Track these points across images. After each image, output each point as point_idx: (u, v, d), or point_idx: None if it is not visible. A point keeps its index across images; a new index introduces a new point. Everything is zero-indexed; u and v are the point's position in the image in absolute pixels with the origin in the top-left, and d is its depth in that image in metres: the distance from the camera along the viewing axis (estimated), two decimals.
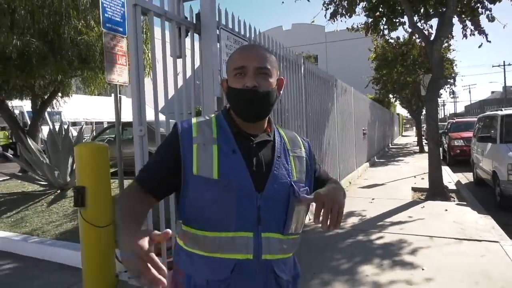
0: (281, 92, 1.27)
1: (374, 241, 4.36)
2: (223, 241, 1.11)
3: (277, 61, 1.26)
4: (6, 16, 5.73)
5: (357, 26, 8.46)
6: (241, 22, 3.61)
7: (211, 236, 1.11)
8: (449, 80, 16.86)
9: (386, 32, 7.99)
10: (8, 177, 8.27)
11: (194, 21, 3.01)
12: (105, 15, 3.92)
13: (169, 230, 0.89)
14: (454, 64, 16.55)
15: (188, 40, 3.00)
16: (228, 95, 1.20)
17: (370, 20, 7.74)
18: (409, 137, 32.54)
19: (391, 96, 19.66)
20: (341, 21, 8.28)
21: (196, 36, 3.09)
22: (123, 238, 0.92)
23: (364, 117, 11.37)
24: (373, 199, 6.62)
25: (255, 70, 1.15)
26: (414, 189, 7.58)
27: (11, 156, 8.02)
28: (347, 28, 8.75)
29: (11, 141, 15.73)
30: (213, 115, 1.27)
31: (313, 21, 8.54)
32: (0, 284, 3.64)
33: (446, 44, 13.48)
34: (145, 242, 0.85)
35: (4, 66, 6.54)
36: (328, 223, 1.08)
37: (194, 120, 1.22)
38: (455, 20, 7.07)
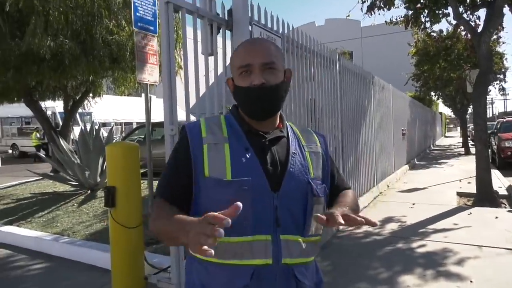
0: (290, 83, 1.26)
1: (415, 249, 4.23)
2: (240, 247, 1.08)
3: (281, 51, 1.25)
4: (41, 18, 6.02)
5: (396, 19, 8.26)
6: (273, 18, 3.60)
7: (227, 242, 1.07)
8: (498, 76, 16.13)
9: (428, 24, 7.74)
10: (40, 177, 8.67)
11: (226, 18, 3.04)
12: (137, 14, 4.04)
13: (238, 203, 0.87)
14: (504, 58, 15.82)
15: (219, 38, 3.03)
16: (235, 94, 1.19)
17: (411, 12, 7.52)
18: (453, 138, 31.40)
19: (432, 93, 19.05)
20: (379, 14, 8.12)
21: (227, 33, 3.11)
22: (181, 227, 0.94)
23: (403, 116, 11.11)
24: (413, 204, 6.43)
25: (261, 67, 1.13)
26: (460, 194, 7.29)
27: (43, 156, 8.41)
28: (385, 21, 8.57)
29: (42, 141, 16.50)
30: (221, 115, 1.26)
31: (348, 16, 8.42)
32: (31, 284, 3.82)
33: (495, 37, 12.89)
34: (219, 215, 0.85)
35: (38, 67, 6.88)
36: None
37: (202, 120, 1.21)
38: (506, 10, 6.74)
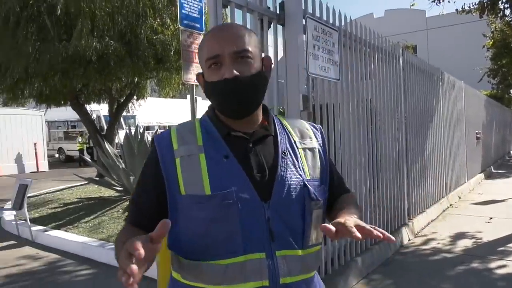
0: (270, 73, 1.15)
1: (493, 270, 3.99)
2: (231, 270, 1.00)
3: (257, 37, 1.15)
4: (87, 20, 6.43)
5: (469, 6, 7.88)
6: (329, 10, 3.57)
7: (215, 265, 1.01)
8: None
9: (507, 12, 7.31)
10: (86, 182, 9.19)
11: (278, 11, 3.06)
12: (182, 11, 4.17)
13: (167, 220, 0.82)
14: None
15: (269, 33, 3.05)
16: (206, 91, 1.10)
17: None
18: None
19: None
20: (448, 1, 7.77)
21: (279, 28, 3.13)
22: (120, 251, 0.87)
23: (477, 117, 10.60)
24: (490, 218, 6.07)
25: (232, 56, 1.03)
26: None
27: (89, 160, 8.93)
28: (455, 10, 8.21)
29: (87, 146, 17.50)
30: (196, 119, 1.17)
31: (412, 5, 8.17)
32: None
33: None
34: (137, 244, 0.79)
35: (84, 70, 7.34)
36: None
37: (173, 130, 1.12)
38: None
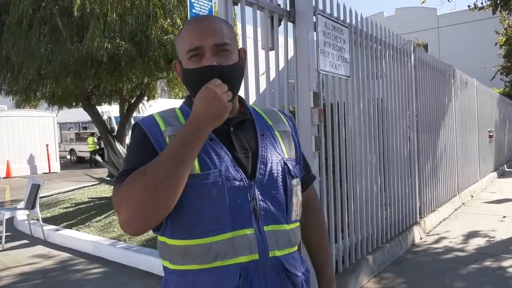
0: (245, 65, 1.20)
1: (507, 269, 3.94)
2: (221, 246, 1.04)
3: (233, 29, 1.19)
4: (99, 21, 6.50)
5: (482, 3, 7.79)
6: (340, 6, 3.56)
7: (205, 243, 1.04)
8: None
9: None
10: (97, 182, 9.29)
11: (288, 8, 3.06)
12: (192, 10, 4.19)
13: None
14: None
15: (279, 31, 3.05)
16: (184, 78, 1.13)
17: None
18: None
19: None
20: None
21: (289, 25, 3.13)
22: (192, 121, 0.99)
23: (490, 116, 10.49)
24: (504, 217, 6.00)
25: (213, 49, 1.07)
26: None
27: (101, 160, 9.02)
28: (468, 6, 8.12)
29: (98, 147, 17.66)
30: (175, 108, 1.19)
31: (423, 1, 8.10)
32: None
33: None
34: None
35: (95, 71, 7.41)
36: None
37: (155, 115, 1.15)
38: None
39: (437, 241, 4.94)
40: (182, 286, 1.08)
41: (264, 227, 1.08)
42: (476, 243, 4.80)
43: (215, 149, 1.08)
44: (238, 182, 1.06)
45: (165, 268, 1.15)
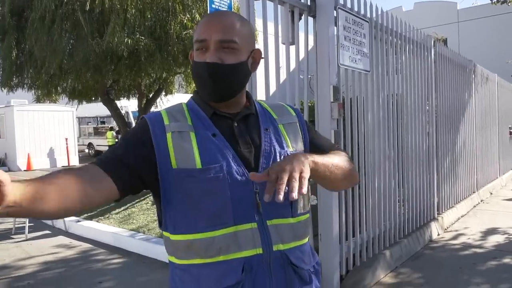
0: (257, 66, 1.20)
1: None
2: (224, 240, 1.05)
3: (252, 30, 1.19)
4: (119, 16, 6.60)
5: None
6: (360, 1, 3.55)
7: (208, 237, 1.05)
8: None
9: None
10: None
11: (309, 3, 3.07)
12: (212, 5, 4.23)
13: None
14: None
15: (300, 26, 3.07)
16: (192, 70, 1.15)
17: None
18: None
19: None
20: None
21: (309, 20, 3.15)
22: None
23: (511, 112, 10.24)
24: None
25: (218, 44, 1.07)
26: None
27: None
28: (490, 0, 7.96)
29: (116, 141, 17.93)
30: (183, 103, 1.20)
31: None
32: (110, 277, 4.20)
33: None
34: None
35: (115, 66, 7.52)
36: (287, 190, 0.93)
37: (162, 110, 1.16)
38: None
39: (455, 238, 4.91)
40: (187, 280, 1.10)
41: (267, 221, 1.09)
42: (495, 240, 4.76)
43: (217, 144, 1.08)
44: (240, 177, 1.07)
45: (170, 263, 1.16)
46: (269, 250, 1.08)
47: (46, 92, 9.50)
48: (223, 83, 1.09)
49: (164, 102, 12.14)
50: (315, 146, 1.25)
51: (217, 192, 1.05)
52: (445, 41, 23.90)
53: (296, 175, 0.94)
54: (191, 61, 1.17)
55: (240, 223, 1.06)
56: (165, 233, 1.13)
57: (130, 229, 5.54)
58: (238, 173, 1.07)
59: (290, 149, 1.17)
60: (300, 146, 1.21)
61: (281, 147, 1.16)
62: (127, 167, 1.03)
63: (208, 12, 4.18)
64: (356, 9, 3.49)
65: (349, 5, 3.39)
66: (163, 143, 1.06)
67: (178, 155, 1.06)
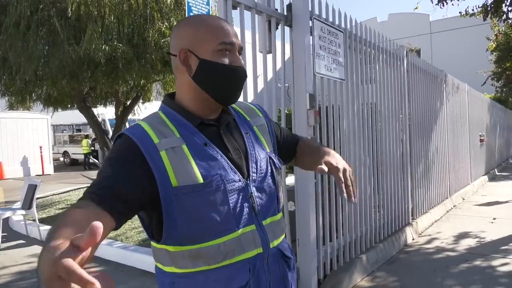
0: None
1: (497, 268, 4.04)
2: (230, 245, 1.09)
3: None
4: (97, 23, 6.54)
5: (473, 9, 7.95)
6: (335, 12, 3.66)
7: (214, 245, 1.08)
8: None
9: (511, 15, 7.37)
10: None
11: (285, 13, 3.15)
12: (190, 14, 4.28)
13: (97, 223, 0.63)
14: None
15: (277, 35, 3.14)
16: (205, 70, 1.09)
17: (490, 1, 7.22)
18: None
19: None
20: (452, 4, 7.86)
21: (286, 29, 3.22)
22: (45, 254, 0.67)
23: (481, 120, 10.62)
24: (494, 218, 6.12)
25: (237, 49, 1.13)
26: None
27: (97, 161, 9.04)
28: (459, 13, 8.27)
29: (92, 149, 17.64)
30: (159, 112, 1.16)
31: (416, 8, 8.26)
32: None
33: None
34: (68, 259, 0.62)
35: (92, 72, 7.43)
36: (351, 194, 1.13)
37: (144, 125, 1.09)
38: None
39: (429, 242, 5.04)
40: (192, 287, 1.10)
41: (263, 221, 1.16)
42: (467, 243, 4.90)
43: (211, 154, 1.09)
44: (237, 184, 1.10)
45: (164, 272, 1.14)
46: (267, 248, 1.16)
47: (20, 99, 9.29)
48: (241, 87, 1.16)
49: (141, 110, 12.05)
50: (285, 141, 1.38)
51: (219, 202, 1.07)
52: (418, 52, 24.56)
53: (353, 179, 1.16)
54: (180, 59, 1.11)
55: (242, 227, 1.11)
56: (161, 245, 1.11)
57: (107, 238, 5.47)
58: (235, 180, 1.10)
59: (268, 150, 1.24)
60: (271, 147, 1.28)
61: (262, 149, 1.22)
62: (125, 202, 0.98)
63: None
64: (331, 19, 3.59)
65: (324, 15, 3.49)
66: (160, 163, 1.03)
67: (177, 172, 1.04)
